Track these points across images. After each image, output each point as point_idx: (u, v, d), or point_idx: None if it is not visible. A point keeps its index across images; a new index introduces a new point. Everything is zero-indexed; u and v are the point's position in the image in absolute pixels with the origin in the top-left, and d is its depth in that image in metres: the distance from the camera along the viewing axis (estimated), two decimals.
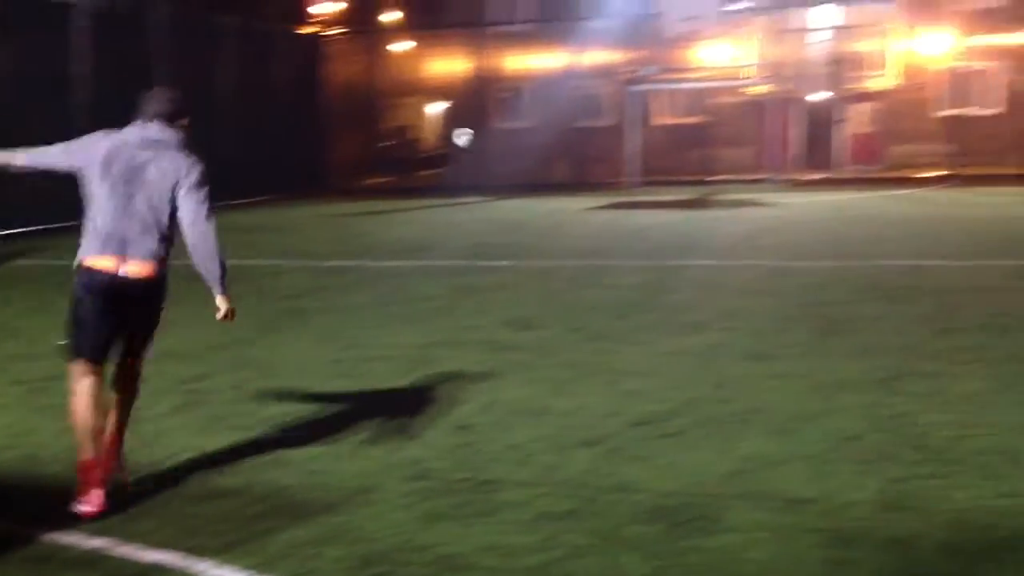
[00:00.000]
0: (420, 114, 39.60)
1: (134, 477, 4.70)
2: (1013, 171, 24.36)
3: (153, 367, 7.00)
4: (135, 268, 4.41)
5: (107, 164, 4.46)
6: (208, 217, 4.54)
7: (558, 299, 9.67)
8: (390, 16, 36.27)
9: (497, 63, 33.42)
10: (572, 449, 5.10)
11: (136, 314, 4.53)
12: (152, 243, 4.43)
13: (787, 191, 23.90)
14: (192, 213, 4.49)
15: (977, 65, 28.68)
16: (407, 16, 35.97)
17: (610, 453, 5.02)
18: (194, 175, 4.54)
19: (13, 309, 9.87)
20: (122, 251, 4.39)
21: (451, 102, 34.45)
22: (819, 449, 4.98)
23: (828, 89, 28.66)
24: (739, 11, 29.22)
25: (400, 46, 35.63)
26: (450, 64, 33.56)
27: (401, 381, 6.60)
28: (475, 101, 29.51)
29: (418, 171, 33.45)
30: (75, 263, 4.46)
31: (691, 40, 27.28)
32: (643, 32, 28.46)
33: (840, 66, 28.31)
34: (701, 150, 29.03)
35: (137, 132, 4.56)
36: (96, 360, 4.43)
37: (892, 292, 9.38)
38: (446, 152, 27.52)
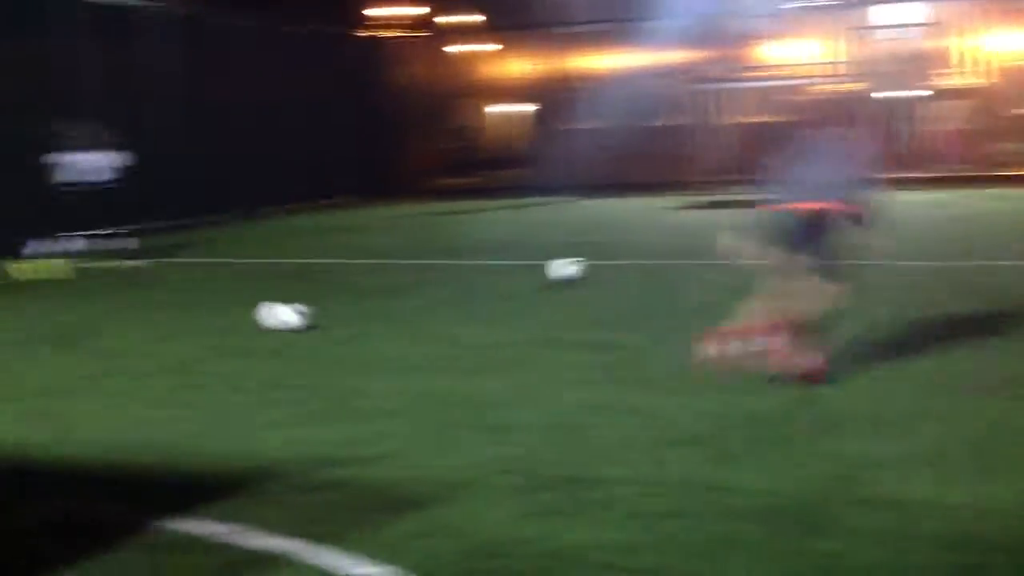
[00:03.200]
0: (494, 115, 39.70)
1: (242, 467, 4.84)
2: None
3: (246, 363, 7.21)
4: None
5: None
6: None
7: (646, 298, 9.62)
8: (467, 18, 36.42)
9: (573, 63, 33.35)
10: (675, 448, 5.08)
11: None
12: None
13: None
14: None
15: None
16: (484, 18, 36.06)
17: (713, 452, 4.98)
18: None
19: (101, 306, 10.13)
20: None
21: (526, 103, 34.48)
22: (934, 453, 4.88)
23: (915, 86, 28.10)
24: (820, 7, 28.79)
25: (475, 48, 35.74)
26: (527, 65, 33.58)
27: (497, 378, 6.64)
28: (549, 102, 29.50)
29: (494, 172, 33.54)
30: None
31: (766, 38, 26.94)
32: (717, 31, 28.20)
33: (918, 64, 27.73)
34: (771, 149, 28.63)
35: None
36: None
37: (1013, 294, 9.10)
38: (523, 153, 27.49)
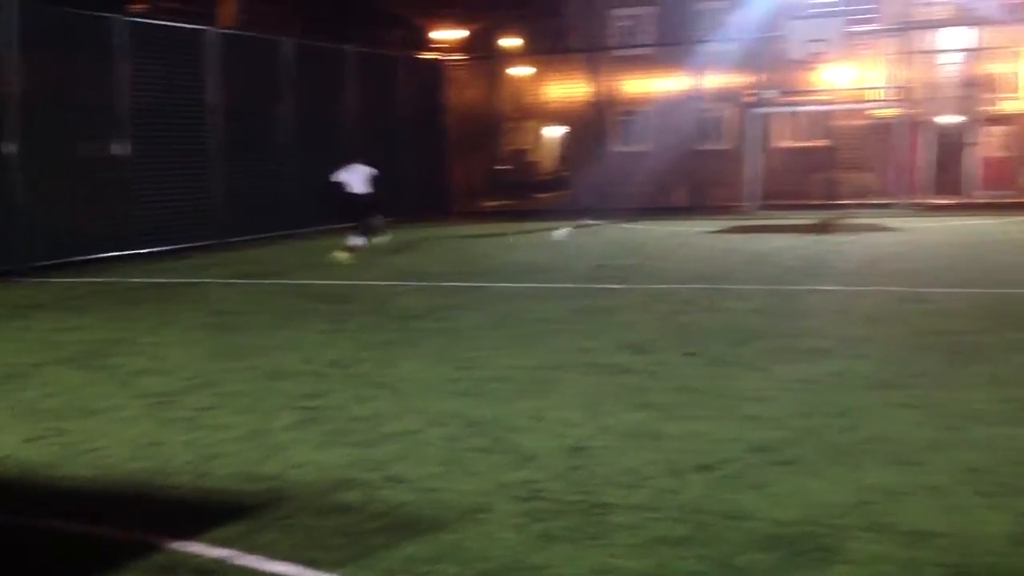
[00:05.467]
0: (539, 138, 39.83)
1: (253, 489, 4.84)
2: None
3: (272, 383, 7.26)
4: None
5: None
6: None
7: (674, 322, 9.58)
8: (510, 41, 36.67)
9: (616, 86, 33.39)
10: (687, 474, 5.04)
11: None
12: None
13: (915, 216, 23.22)
14: None
15: None
16: (527, 41, 36.30)
17: (726, 479, 4.95)
18: None
19: (143, 325, 10.26)
20: None
21: (570, 126, 34.56)
22: (945, 481, 4.82)
23: (959, 112, 27.78)
24: (865, 32, 28.60)
25: (520, 71, 35.95)
26: (569, 88, 33.66)
27: (517, 401, 6.63)
28: (594, 125, 29.52)
29: (537, 194, 33.62)
30: None
31: (815, 62, 26.79)
32: (765, 54, 28.10)
33: (972, 89, 27.43)
34: (824, 174, 28.43)
35: None
36: None
37: None
38: (565, 175, 27.53)
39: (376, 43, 26.55)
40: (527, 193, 33.72)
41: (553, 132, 38.51)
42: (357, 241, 16.21)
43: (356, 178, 16.40)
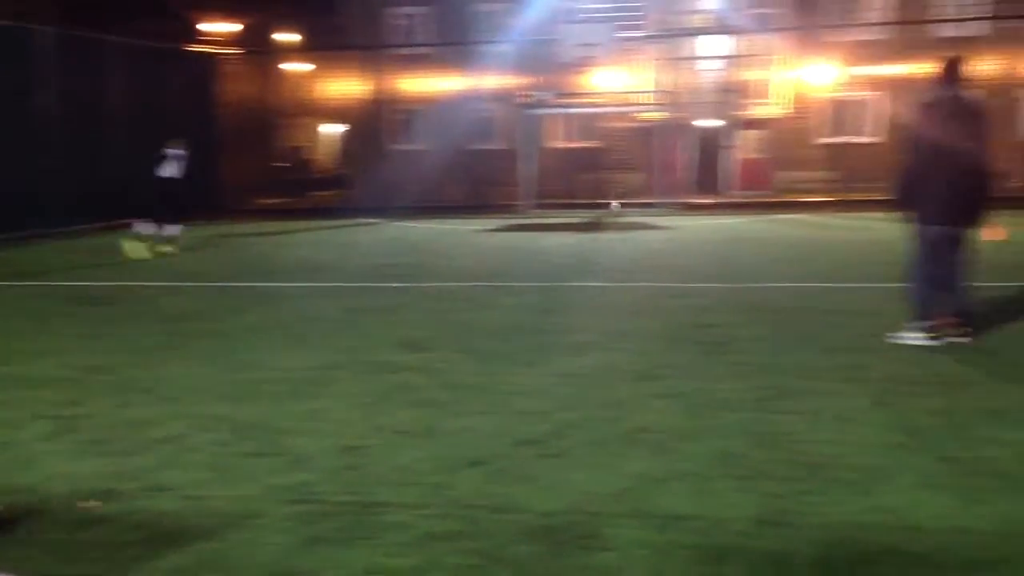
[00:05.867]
0: (317, 135, 39.31)
1: (4, 504, 4.56)
2: (890, 197, 25.24)
3: (24, 392, 6.85)
4: None
5: None
6: None
7: (450, 320, 9.68)
8: (287, 37, 35.99)
9: (394, 85, 33.41)
10: (458, 470, 5.11)
11: None
12: None
13: (678, 214, 24.39)
14: None
15: (858, 95, 29.78)
16: (304, 37, 35.73)
17: (496, 473, 5.05)
18: None
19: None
20: None
21: (349, 123, 34.31)
22: (700, 467, 5.10)
23: (717, 116, 29.38)
24: (633, 39, 29.81)
25: (296, 67, 35.36)
26: (347, 85, 33.42)
27: (290, 403, 6.53)
28: (371, 123, 29.39)
29: (314, 192, 33.18)
30: None
31: (586, 66, 27.69)
32: (539, 57, 28.81)
33: (729, 94, 29.04)
34: (594, 174, 29.43)
35: None
36: None
37: (776, 313, 9.64)
38: (344, 173, 27.26)
39: (145, 34, 25.43)
40: (304, 191, 33.22)
41: (332, 130, 38.08)
42: (147, 229, 16.25)
43: (172, 166, 16.58)
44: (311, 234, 20.07)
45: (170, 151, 16.45)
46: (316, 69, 35.17)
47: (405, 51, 33.03)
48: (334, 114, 35.28)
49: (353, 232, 20.63)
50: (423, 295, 11.47)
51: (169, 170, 16.36)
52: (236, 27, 33.88)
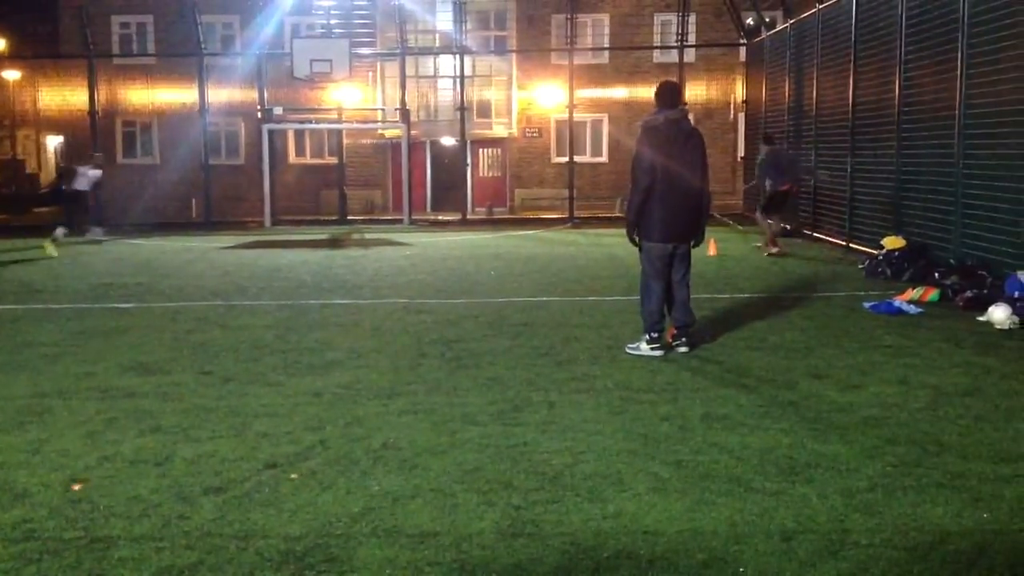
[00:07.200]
0: (36, 148, 36.85)
1: None
2: (617, 214, 26.64)
3: None
4: None
5: None
6: None
7: (186, 341, 9.31)
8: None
9: (121, 96, 31.88)
10: (197, 498, 4.91)
11: None
12: None
13: (420, 231, 24.59)
14: None
15: (584, 116, 31.16)
16: (14, 43, 33.54)
17: (238, 499, 4.89)
18: None
19: None
20: None
21: (68, 136, 32.42)
22: (445, 482, 5.14)
23: (455, 135, 29.87)
24: (370, 56, 29.84)
25: (7, 74, 33.13)
26: (67, 95, 31.54)
27: (7, 435, 6.07)
28: (95, 135, 27.80)
29: (36, 208, 31.05)
30: None
31: (321, 81, 27.45)
32: (271, 71, 28.30)
33: (467, 113, 29.53)
34: (336, 190, 29.21)
35: None
36: None
37: (517, 327, 9.88)
38: (65, 188, 25.54)
39: None
40: (24, 207, 31.04)
41: (53, 142, 35.86)
42: (61, 232, 19.13)
43: (83, 179, 20.29)
44: (32, 252, 18.77)
45: (85, 169, 19.92)
46: (31, 77, 33.03)
47: (129, 60, 31.56)
48: (53, 125, 33.22)
49: (80, 250, 19.47)
50: (155, 315, 10.97)
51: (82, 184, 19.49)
52: None
